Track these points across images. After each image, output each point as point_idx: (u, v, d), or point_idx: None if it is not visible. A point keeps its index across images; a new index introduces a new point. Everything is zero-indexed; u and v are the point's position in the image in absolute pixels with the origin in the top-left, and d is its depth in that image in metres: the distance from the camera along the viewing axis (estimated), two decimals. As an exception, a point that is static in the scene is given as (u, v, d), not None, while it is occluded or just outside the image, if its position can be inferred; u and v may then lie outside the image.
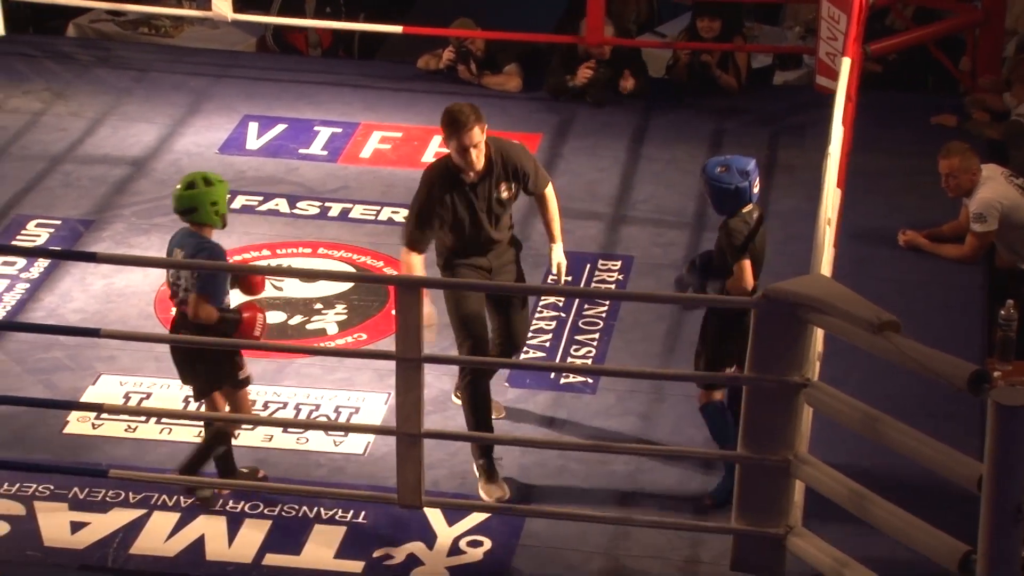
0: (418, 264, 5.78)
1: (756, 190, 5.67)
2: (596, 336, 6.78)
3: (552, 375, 6.51)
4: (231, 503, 5.70)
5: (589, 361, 6.59)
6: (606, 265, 7.30)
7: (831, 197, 5.81)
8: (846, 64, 6.77)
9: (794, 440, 4.86)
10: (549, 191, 6.01)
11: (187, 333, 5.57)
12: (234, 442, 5.77)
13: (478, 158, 5.69)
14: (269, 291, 7.01)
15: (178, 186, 5.58)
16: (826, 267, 5.53)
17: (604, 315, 6.92)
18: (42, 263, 7.11)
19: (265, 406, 6.26)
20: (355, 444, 6.06)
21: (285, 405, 6.27)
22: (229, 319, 5.57)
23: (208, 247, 5.55)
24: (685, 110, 8.75)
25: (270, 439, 6.07)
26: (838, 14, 8.21)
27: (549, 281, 6.31)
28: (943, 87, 9.31)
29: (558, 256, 6.05)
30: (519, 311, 5.97)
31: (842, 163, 6.33)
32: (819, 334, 5.07)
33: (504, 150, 5.82)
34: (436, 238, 5.86)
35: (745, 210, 5.66)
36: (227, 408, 5.70)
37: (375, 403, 6.29)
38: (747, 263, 5.61)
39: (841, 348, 5.11)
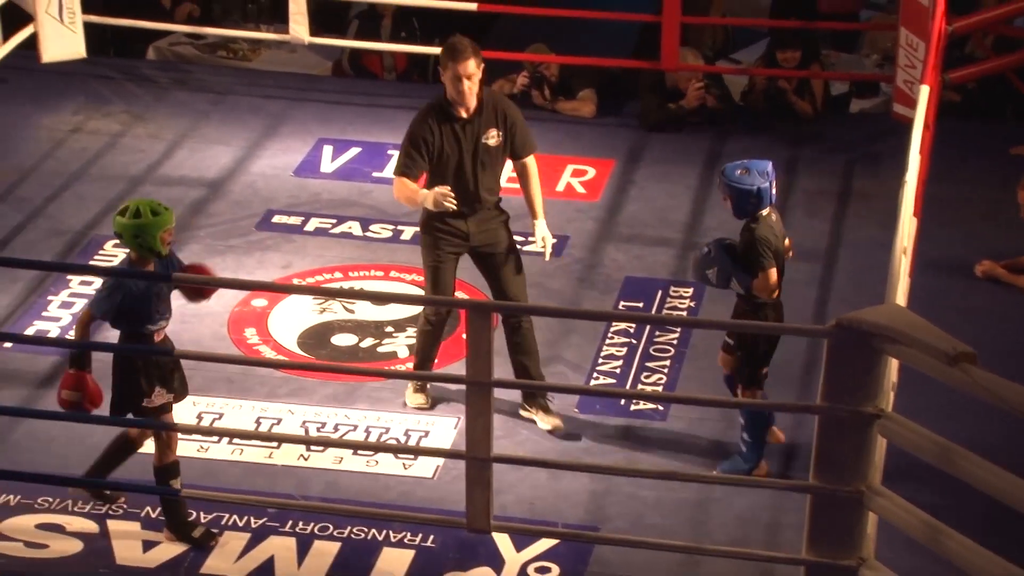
0: (411, 184, 6.04)
1: (775, 192, 5.76)
2: (667, 363, 6.76)
3: (623, 402, 6.48)
4: (300, 524, 5.72)
5: (660, 388, 6.56)
6: (678, 292, 7.28)
7: (907, 226, 5.76)
8: (924, 92, 6.72)
9: (867, 471, 4.80)
10: (532, 161, 6.22)
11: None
12: (304, 463, 5.80)
13: (470, 92, 5.96)
14: (341, 314, 7.06)
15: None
16: (901, 297, 5.48)
17: (675, 342, 6.89)
18: (118, 283, 7.19)
19: (335, 428, 6.28)
20: (424, 467, 6.07)
21: (355, 428, 6.29)
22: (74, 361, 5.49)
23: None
24: (760, 136, 8.72)
25: (340, 461, 6.09)
26: (916, 42, 8.15)
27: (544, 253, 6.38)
28: (1022, 117, 9.20)
29: (543, 231, 6.23)
30: (513, 276, 6.20)
31: (919, 192, 6.27)
32: (893, 364, 5.02)
33: (498, 99, 6.16)
34: (428, 182, 6.06)
35: (764, 213, 5.74)
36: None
37: (445, 427, 6.29)
38: (774, 271, 5.77)
39: (916, 379, 5.06)
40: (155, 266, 5.51)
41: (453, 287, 6.28)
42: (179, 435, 6.11)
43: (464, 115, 6.04)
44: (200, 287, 5.66)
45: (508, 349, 6.28)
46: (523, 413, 6.33)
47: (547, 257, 6.32)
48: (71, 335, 5.65)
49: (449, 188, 6.00)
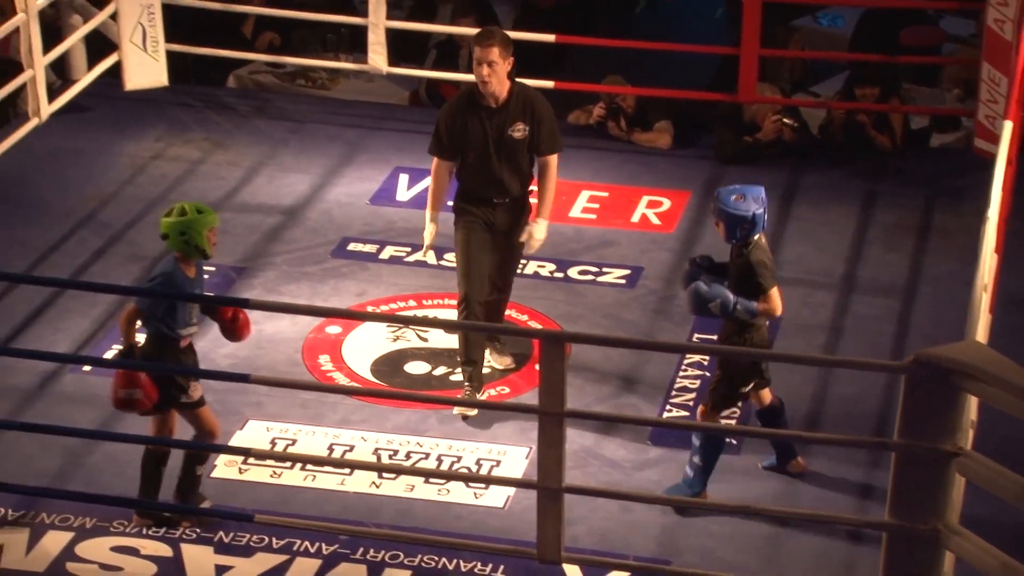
0: (443, 170, 6.45)
1: (766, 218, 5.82)
2: (741, 396, 6.70)
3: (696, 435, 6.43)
4: (372, 552, 5.73)
5: (734, 421, 6.51)
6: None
7: (988, 262, 5.69)
8: (1007, 127, 6.64)
9: (945, 510, 4.73)
10: (553, 160, 6.49)
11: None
12: (376, 491, 5.80)
13: (489, 76, 6.24)
14: (414, 342, 7.07)
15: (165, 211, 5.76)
16: (982, 333, 5.41)
17: (750, 375, 6.83)
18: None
19: (408, 456, 6.29)
20: (495, 497, 6.06)
21: (427, 456, 6.30)
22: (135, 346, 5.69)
23: (162, 268, 5.71)
24: (838, 170, 8.65)
25: (411, 489, 6.09)
26: (999, 77, 8.07)
27: (526, 250, 6.64)
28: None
29: (539, 232, 6.52)
30: (509, 263, 6.58)
31: (1000, 228, 6.19)
32: (973, 402, 4.95)
33: (528, 94, 6.41)
34: (457, 173, 6.44)
35: (756, 239, 5.78)
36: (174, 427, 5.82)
37: (516, 456, 6.28)
38: (777, 290, 5.81)
39: (996, 417, 4.98)
40: (195, 271, 5.67)
41: (487, 262, 6.52)
42: (253, 460, 6.16)
43: (492, 105, 6.31)
44: (237, 329, 5.81)
45: None
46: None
47: (529, 250, 6.59)
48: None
49: (430, 251, 6.55)
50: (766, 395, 6.06)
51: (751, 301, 5.80)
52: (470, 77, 9.48)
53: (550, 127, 6.43)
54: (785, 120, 8.63)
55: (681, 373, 6.83)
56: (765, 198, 5.81)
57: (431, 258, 6.98)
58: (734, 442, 6.36)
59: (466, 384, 6.58)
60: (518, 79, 6.46)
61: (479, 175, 6.40)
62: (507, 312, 7.28)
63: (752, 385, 5.95)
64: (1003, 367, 4.50)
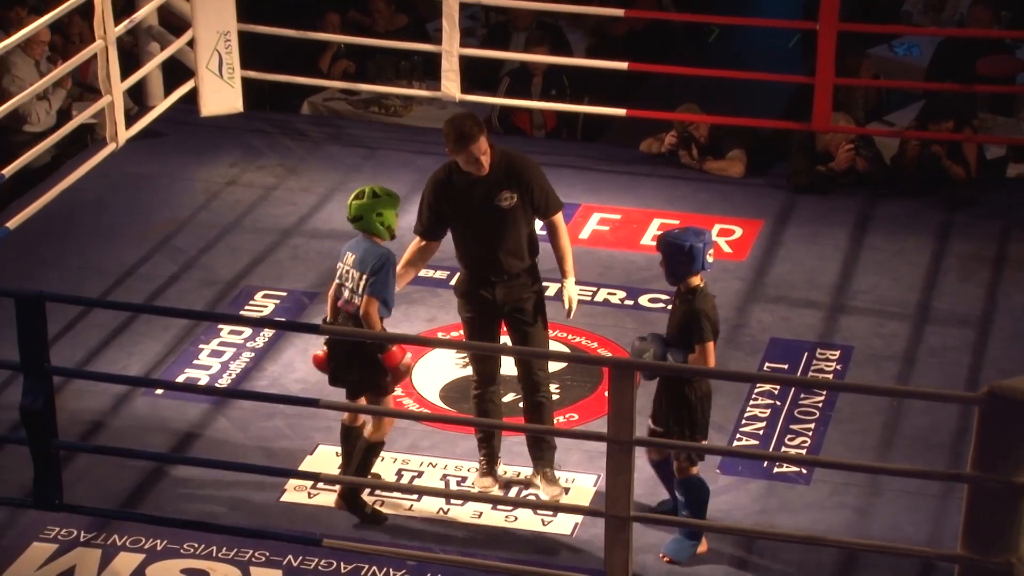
0: (412, 248, 6.18)
1: (710, 260, 5.70)
2: (811, 426, 6.66)
3: (765, 464, 6.41)
4: (439, 577, 5.75)
5: (804, 451, 6.47)
6: (824, 354, 7.18)
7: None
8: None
9: (1018, 543, 4.68)
10: (559, 218, 6.15)
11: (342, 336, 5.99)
12: (444, 516, 5.82)
13: (486, 163, 5.94)
14: (484, 368, 7.08)
15: (352, 195, 6.01)
16: (1057, 365, 5.34)
17: (820, 405, 6.79)
18: (267, 333, 7.32)
19: (475, 483, 6.30)
20: (563, 524, 6.05)
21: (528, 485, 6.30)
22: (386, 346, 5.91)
23: (380, 251, 5.91)
24: (912, 200, 8.59)
25: (479, 516, 6.10)
26: None
27: (566, 316, 6.36)
28: None
29: (571, 291, 6.17)
30: (537, 341, 6.15)
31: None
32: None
33: (509, 159, 6.04)
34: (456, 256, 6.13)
35: (701, 285, 5.72)
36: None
37: (584, 484, 6.27)
38: (712, 345, 5.70)
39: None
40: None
41: (492, 341, 6.21)
42: (322, 485, 6.19)
43: (477, 175, 5.99)
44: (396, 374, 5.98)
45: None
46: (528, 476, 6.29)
47: (569, 316, 6.27)
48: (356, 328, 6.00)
49: (409, 364, 6.03)
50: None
51: (680, 353, 5.70)
52: (543, 105, 9.63)
53: (542, 188, 6.05)
54: (860, 151, 8.58)
55: (752, 402, 6.80)
56: (710, 241, 5.71)
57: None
58: (804, 472, 6.32)
59: (482, 458, 6.29)
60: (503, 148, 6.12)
61: (474, 251, 6.06)
62: (577, 339, 7.29)
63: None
64: (1078, 399, 4.45)
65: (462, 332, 6.34)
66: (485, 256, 6.07)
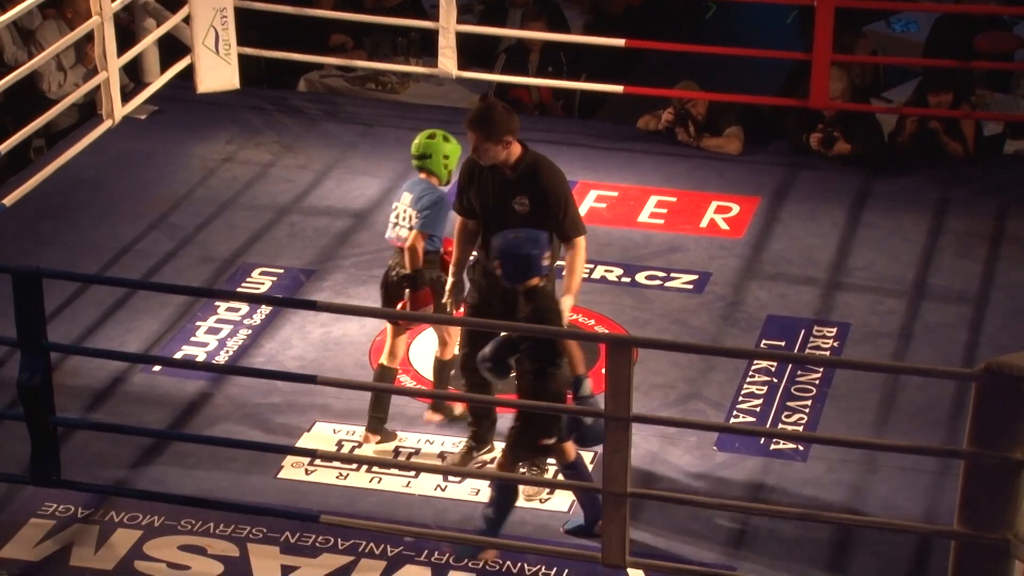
0: (466, 231, 6.11)
1: (546, 263, 5.70)
2: (808, 403, 6.67)
3: (762, 441, 6.41)
4: (436, 554, 5.75)
5: (800, 428, 6.48)
6: (821, 331, 7.18)
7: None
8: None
9: (1014, 519, 4.69)
10: (581, 243, 5.97)
11: (398, 270, 6.27)
12: (441, 494, 5.83)
13: (484, 159, 5.91)
14: (482, 345, 7.08)
15: (421, 134, 6.31)
16: (1053, 342, 5.35)
17: (817, 382, 6.80)
18: (265, 310, 7.32)
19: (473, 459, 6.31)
20: (560, 502, 6.06)
21: (492, 460, 6.30)
22: (418, 280, 6.18)
23: (435, 191, 6.22)
24: (910, 177, 8.59)
25: (477, 493, 6.11)
26: None
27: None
28: None
29: (565, 308, 5.96)
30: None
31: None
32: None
33: (537, 168, 5.93)
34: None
35: (535, 282, 5.66)
36: None
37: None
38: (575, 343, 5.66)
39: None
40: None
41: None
42: (319, 461, 6.20)
43: (501, 171, 5.93)
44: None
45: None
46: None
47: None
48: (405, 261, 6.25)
49: (453, 306, 6.14)
50: (569, 449, 5.81)
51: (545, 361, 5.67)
52: (539, 81, 9.61)
53: (562, 207, 5.89)
54: (833, 134, 8.57)
55: (748, 379, 6.81)
56: (546, 243, 5.69)
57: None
58: (801, 448, 6.33)
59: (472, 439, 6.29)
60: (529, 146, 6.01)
61: (484, 236, 6.03)
62: (574, 317, 7.28)
63: (555, 439, 5.73)
64: (1075, 376, 4.45)
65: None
66: (488, 235, 6.03)
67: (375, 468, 6.20)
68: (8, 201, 7.94)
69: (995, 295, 7.50)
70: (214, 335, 7.15)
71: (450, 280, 6.18)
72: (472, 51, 9.85)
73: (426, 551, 5.77)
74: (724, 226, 8.14)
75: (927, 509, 5.95)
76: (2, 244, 7.74)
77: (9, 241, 7.81)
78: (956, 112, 8.62)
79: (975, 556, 4.73)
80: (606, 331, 7.11)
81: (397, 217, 6.29)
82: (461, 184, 6.13)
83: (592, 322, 7.27)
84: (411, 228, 6.18)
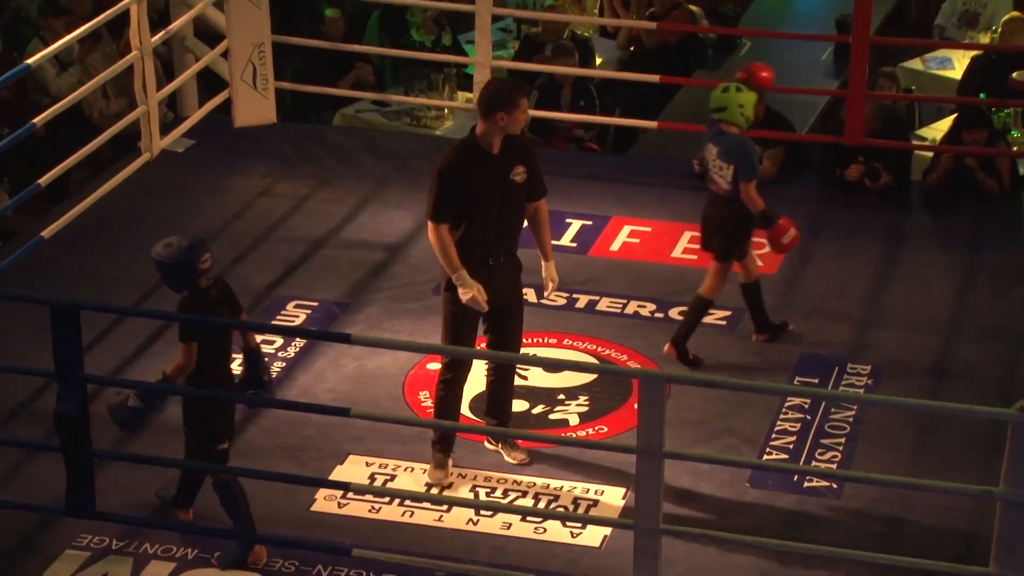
0: (450, 240, 6.13)
1: (204, 265, 5.78)
2: (842, 440, 6.63)
3: (796, 478, 6.38)
4: (468, 588, 5.75)
5: (834, 466, 6.44)
6: (855, 368, 7.15)
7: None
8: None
9: (1050, 560, 4.65)
10: (544, 204, 6.37)
11: (718, 212, 6.98)
12: (473, 527, 5.82)
13: (514, 126, 6.13)
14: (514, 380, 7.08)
15: (716, 88, 6.92)
16: (1089, 381, 5.30)
17: (851, 420, 6.76)
18: (299, 342, 7.33)
19: (505, 494, 6.29)
20: (592, 536, 6.04)
21: (524, 494, 6.30)
22: (769, 214, 6.87)
23: (738, 141, 6.80)
24: (944, 214, 8.56)
25: (508, 527, 6.09)
26: None
27: (545, 293, 6.56)
28: None
29: (552, 273, 6.40)
30: (516, 334, 6.37)
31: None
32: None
33: (515, 138, 6.22)
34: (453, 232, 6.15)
35: (204, 282, 5.81)
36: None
37: (613, 496, 6.26)
38: (195, 345, 5.77)
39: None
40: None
41: (470, 341, 6.33)
42: (352, 495, 6.19)
43: (494, 152, 6.17)
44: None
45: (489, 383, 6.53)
46: (488, 446, 6.54)
47: (547, 295, 6.54)
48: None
49: (484, 294, 6.14)
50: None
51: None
52: (571, 116, 9.61)
53: (538, 168, 6.32)
54: (874, 172, 8.56)
55: (781, 416, 6.78)
56: (199, 245, 5.78)
57: (531, 296, 6.91)
58: (835, 486, 6.29)
59: (438, 453, 6.36)
60: None
61: (484, 230, 6.14)
62: (607, 352, 7.29)
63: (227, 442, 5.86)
64: (1112, 416, 4.41)
65: (444, 323, 6.32)
66: (495, 233, 6.19)
67: (407, 502, 6.19)
68: (47, 233, 7.99)
69: (1029, 333, 7.46)
70: (248, 367, 7.16)
71: (469, 284, 6.12)
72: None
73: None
74: (758, 263, 8.10)
75: (962, 550, 5.89)
76: (40, 276, 7.79)
77: (47, 273, 7.86)
78: (991, 150, 8.59)
79: (1011, 597, 4.69)
80: (639, 366, 7.09)
81: (711, 167, 6.92)
82: (444, 195, 6.10)
83: (625, 357, 7.26)
84: (734, 181, 6.81)
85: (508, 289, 6.30)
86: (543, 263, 6.43)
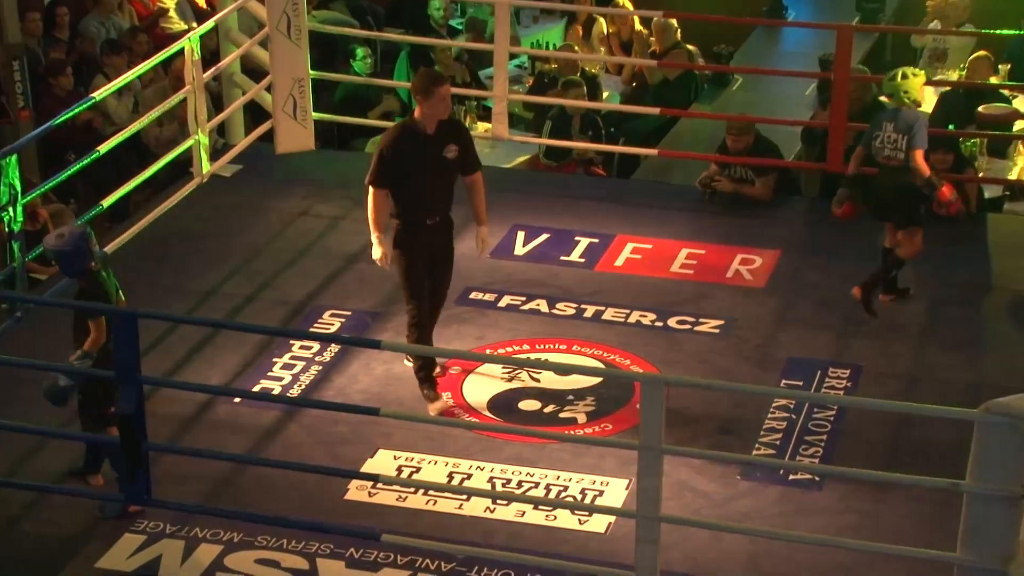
0: (382, 199, 6.64)
1: (95, 248, 5.94)
2: (824, 438, 6.62)
3: (782, 471, 6.37)
4: (485, 570, 5.74)
5: (816, 460, 6.43)
6: (836, 372, 7.14)
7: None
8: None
9: (1013, 548, 4.63)
10: (479, 177, 6.81)
11: (892, 181, 7.18)
12: (490, 515, 5.83)
13: (441, 112, 6.55)
14: (527, 382, 7.10)
15: (886, 76, 7.28)
16: (1048, 385, 5.29)
17: (832, 419, 6.75)
18: (334, 348, 7.35)
19: (519, 485, 6.29)
20: (598, 524, 6.04)
21: (537, 485, 6.30)
22: (933, 182, 7.12)
23: (910, 116, 7.10)
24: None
25: (522, 515, 6.10)
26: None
27: (479, 252, 7.00)
28: None
29: (484, 235, 6.86)
30: (447, 279, 6.89)
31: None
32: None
33: (454, 120, 6.76)
34: (393, 198, 6.65)
35: (93, 268, 5.87)
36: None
37: (617, 487, 6.26)
38: (103, 319, 5.80)
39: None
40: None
41: (424, 284, 6.76)
42: (381, 485, 6.20)
43: (429, 132, 6.56)
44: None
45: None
46: (406, 363, 6.96)
47: (480, 253, 6.98)
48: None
49: (387, 258, 6.70)
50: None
51: (78, 348, 5.85)
52: (581, 145, 9.63)
53: (472, 147, 6.76)
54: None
55: (769, 415, 6.77)
56: (85, 235, 5.87)
57: (543, 306, 6.91)
58: (817, 479, 6.28)
59: (426, 391, 6.79)
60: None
61: (420, 196, 6.61)
62: (612, 357, 7.29)
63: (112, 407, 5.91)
64: (1067, 417, 4.41)
65: (399, 272, 6.76)
66: (428, 199, 6.64)
67: (432, 491, 6.20)
68: (109, 249, 8.02)
69: (993, 342, 7.44)
70: (289, 370, 7.19)
71: (377, 243, 6.68)
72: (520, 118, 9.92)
73: (476, 567, 5.76)
74: (748, 276, 8.12)
75: (932, 537, 5.87)
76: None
77: (108, 284, 7.88)
78: (960, 176, 8.56)
79: (976, 580, 4.67)
80: (640, 371, 7.09)
81: (883, 142, 7.15)
82: (385, 164, 6.60)
83: (628, 362, 7.26)
84: (906, 150, 7.06)
85: (442, 243, 6.78)
86: (477, 227, 6.86)
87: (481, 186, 6.84)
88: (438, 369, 6.92)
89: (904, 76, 7.16)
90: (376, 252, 6.73)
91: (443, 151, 6.62)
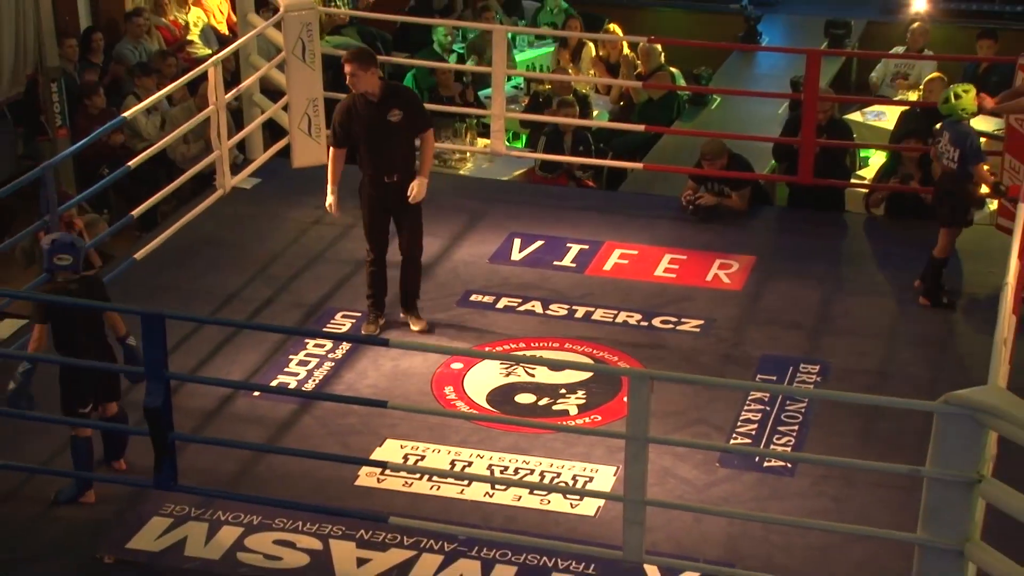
0: (339, 156, 7.09)
1: (62, 263, 5.79)
2: (796, 428, 6.61)
3: (757, 459, 6.36)
4: (485, 550, 5.73)
5: (789, 449, 6.42)
6: (807, 368, 7.13)
7: (1006, 321, 5.58)
8: (1021, 208, 6.55)
9: (969, 528, 4.63)
10: (430, 135, 7.10)
11: (945, 186, 7.34)
12: (489, 500, 5.82)
13: (353, 83, 6.91)
14: (523, 377, 7.09)
15: (941, 96, 7.35)
16: (1002, 380, 5.29)
17: (803, 410, 6.74)
18: (345, 346, 7.33)
19: (516, 472, 6.28)
20: (588, 507, 6.03)
21: (532, 471, 6.29)
22: (1000, 188, 7.39)
23: (963, 130, 7.22)
24: (883, 239, 8.53)
25: (518, 499, 6.08)
26: (1018, 165, 7.97)
27: (411, 198, 7.12)
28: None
29: (420, 185, 7.06)
30: (413, 225, 7.18)
31: (1016, 292, 6.07)
32: (993, 437, 4.84)
33: (395, 87, 7.14)
34: (357, 159, 7.07)
35: (61, 278, 5.83)
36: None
37: (606, 474, 6.25)
38: (44, 327, 5.74)
39: (1013, 449, 4.86)
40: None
41: (387, 230, 7.21)
42: (389, 472, 6.18)
43: (373, 100, 6.92)
44: None
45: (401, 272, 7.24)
46: (402, 316, 7.30)
47: (410, 198, 7.08)
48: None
49: (336, 207, 7.15)
50: (112, 408, 6.02)
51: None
52: (572, 159, 9.62)
53: (420, 110, 7.03)
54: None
55: (745, 408, 6.76)
56: (70, 240, 5.84)
57: (536, 308, 6.87)
58: (789, 466, 6.27)
59: (369, 311, 7.26)
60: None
61: (373, 156, 6.95)
62: (601, 354, 7.28)
63: (90, 406, 5.91)
64: (1020, 408, 4.41)
65: (363, 217, 7.21)
66: (380, 159, 6.98)
67: (435, 478, 6.19)
68: (139, 256, 8.01)
69: (953, 340, 7.43)
70: (303, 367, 7.17)
71: (330, 193, 7.10)
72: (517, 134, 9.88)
73: (476, 547, 5.74)
74: (726, 280, 8.11)
75: (896, 519, 5.87)
76: (133, 290, 7.79)
77: (138, 288, 7.86)
78: (923, 189, 8.55)
79: (935, 559, 4.67)
80: (627, 366, 7.09)
81: (941, 151, 7.26)
82: (341, 124, 6.98)
83: (616, 359, 7.25)
84: (959, 161, 7.16)
85: (404, 197, 7.06)
86: (418, 176, 7.06)
87: (430, 142, 7.07)
88: (376, 329, 7.21)
89: (957, 96, 7.20)
90: (328, 200, 7.14)
91: (387, 115, 6.90)
